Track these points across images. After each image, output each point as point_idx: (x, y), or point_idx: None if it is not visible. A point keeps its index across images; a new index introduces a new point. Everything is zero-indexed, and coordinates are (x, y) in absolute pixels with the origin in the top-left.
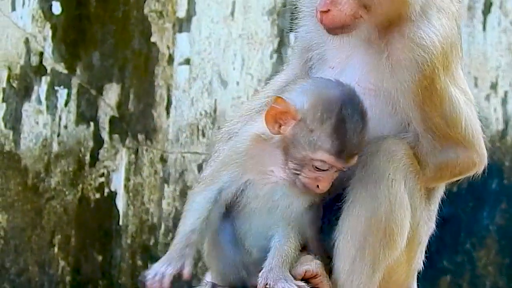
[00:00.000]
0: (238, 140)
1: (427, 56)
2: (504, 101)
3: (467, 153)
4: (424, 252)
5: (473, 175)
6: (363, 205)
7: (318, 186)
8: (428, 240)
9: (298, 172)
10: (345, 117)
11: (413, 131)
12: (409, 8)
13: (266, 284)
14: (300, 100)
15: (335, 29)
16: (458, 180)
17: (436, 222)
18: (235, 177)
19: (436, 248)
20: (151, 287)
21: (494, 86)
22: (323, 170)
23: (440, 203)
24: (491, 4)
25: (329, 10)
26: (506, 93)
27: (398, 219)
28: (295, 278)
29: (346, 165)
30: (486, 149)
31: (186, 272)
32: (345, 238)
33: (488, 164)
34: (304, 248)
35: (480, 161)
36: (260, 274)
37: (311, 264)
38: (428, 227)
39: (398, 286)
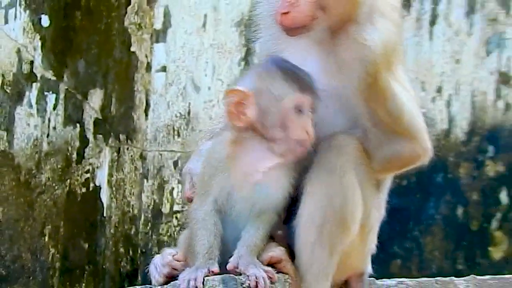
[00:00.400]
0: (216, 151)
1: (370, 56)
2: (448, 103)
3: (411, 146)
4: (376, 237)
5: (419, 167)
6: (319, 196)
7: (307, 132)
8: (381, 228)
9: (285, 135)
10: (286, 65)
11: (362, 126)
12: (357, 11)
13: (237, 268)
14: (246, 82)
15: (294, 29)
16: (406, 171)
17: (388, 212)
18: (224, 185)
19: (388, 235)
20: None
21: (439, 90)
22: (301, 113)
23: (391, 194)
24: (436, 16)
25: (288, 12)
26: (450, 96)
27: (351, 207)
28: (261, 264)
29: (313, 99)
30: (433, 147)
31: (216, 270)
32: (304, 226)
33: (434, 159)
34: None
35: (424, 153)
36: (230, 260)
37: (276, 251)
38: (379, 214)
39: (354, 268)
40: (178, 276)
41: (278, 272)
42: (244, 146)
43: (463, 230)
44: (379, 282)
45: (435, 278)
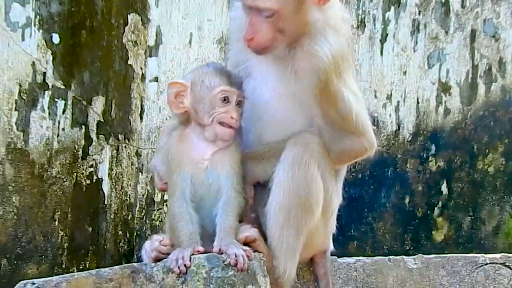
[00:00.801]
0: (168, 149)
1: (321, 65)
2: (396, 109)
3: (359, 140)
4: (335, 221)
5: (372, 160)
6: (286, 184)
7: (232, 117)
8: (339, 214)
9: (212, 119)
10: (218, 66)
11: (317, 125)
12: (310, 28)
13: (220, 249)
14: (185, 77)
15: (260, 50)
16: (358, 163)
17: (346, 200)
18: (183, 178)
19: (346, 220)
20: (176, 268)
21: (389, 97)
22: (228, 102)
23: (349, 185)
24: (387, 35)
25: (253, 37)
26: (398, 102)
27: (314, 193)
28: (239, 243)
29: (238, 91)
30: (384, 145)
31: (201, 249)
32: (274, 210)
33: (385, 156)
34: (242, 221)
35: (371, 146)
36: (214, 243)
37: (250, 231)
38: (338, 200)
39: (319, 246)
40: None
41: (254, 251)
42: (188, 141)
43: (410, 216)
44: (340, 260)
45: (388, 257)
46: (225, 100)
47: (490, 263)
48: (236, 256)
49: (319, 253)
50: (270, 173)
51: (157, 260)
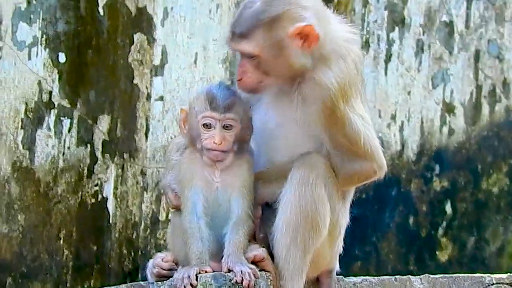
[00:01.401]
0: (180, 165)
1: (325, 93)
2: (401, 129)
3: (368, 163)
4: (342, 241)
5: (376, 180)
6: (293, 204)
7: (215, 142)
8: (344, 234)
9: (201, 145)
10: (211, 88)
11: (326, 149)
12: (300, 67)
13: (227, 267)
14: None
15: (248, 91)
16: (365, 185)
17: (350, 220)
18: (197, 191)
19: (350, 240)
20: (182, 287)
21: (393, 117)
22: (210, 128)
23: (353, 205)
24: (391, 55)
25: (241, 78)
26: (402, 122)
27: (321, 213)
28: (247, 261)
29: (222, 115)
30: (388, 165)
31: (208, 270)
32: (281, 230)
33: (389, 176)
34: (251, 240)
35: (380, 169)
36: (222, 261)
37: (259, 250)
38: (345, 221)
39: (325, 266)
40: (167, 274)
41: (260, 270)
42: (198, 162)
43: (414, 236)
44: (347, 279)
45: (394, 277)
46: (207, 126)
47: (496, 283)
48: (242, 273)
49: (325, 272)
50: (278, 194)
51: (158, 276)
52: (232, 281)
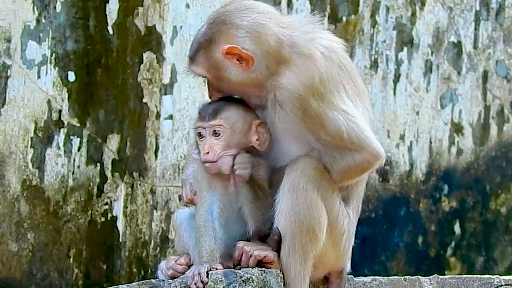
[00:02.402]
0: (200, 165)
1: (292, 95)
2: (409, 149)
3: (360, 155)
4: (353, 240)
5: (384, 197)
6: (287, 212)
7: (204, 153)
8: (353, 253)
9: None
10: (210, 101)
11: (315, 148)
12: (253, 80)
13: (243, 252)
14: None
15: (213, 96)
16: (374, 206)
17: (359, 240)
18: (214, 192)
19: (359, 260)
20: (193, 284)
21: (402, 137)
22: (202, 137)
23: (362, 225)
24: (399, 75)
25: (211, 95)
26: (411, 142)
27: (316, 218)
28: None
29: (207, 123)
30: (396, 185)
31: (219, 267)
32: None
33: (397, 196)
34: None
35: (374, 158)
36: (237, 245)
37: (270, 253)
38: (349, 220)
39: (331, 265)
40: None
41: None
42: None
43: (423, 256)
44: (356, 279)
45: (404, 277)
46: (200, 135)
47: (505, 285)
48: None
49: (334, 272)
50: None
51: (173, 278)
52: (243, 278)
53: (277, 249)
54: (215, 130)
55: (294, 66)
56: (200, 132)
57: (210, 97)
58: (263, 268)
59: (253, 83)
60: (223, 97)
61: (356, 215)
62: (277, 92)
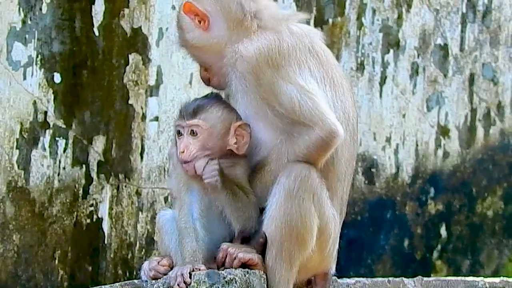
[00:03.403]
0: (177, 174)
1: (246, 62)
2: (396, 151)
3: (313, 132)
4: (338, 242)
5: (370, 198)
6: (278, 219)
7: (179, 152)
8: (339, 256)
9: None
10: (192, 100)
11: (277, 128)
12: (212, 44)
13: (227, 254)
14: None
15: (210, 86)
16: (361, 209)
17: (345, 242)
18: (194, 193)
19: (345, 263)
20: (176, 285)
21: (388, 140)
22: (181, 135)
23: (348, 227)
24: (386, 77)
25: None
26: (397, 145)
27: (308, 227)
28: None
29: (186, 122)
30: (383, 188)
31: (202, 268)
32: (267, 243)
33: (383, 199)
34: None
35: (328, 134)
36: (221, 246)
37: (254, 256)
38: (335, 222)
39: (316, 269)
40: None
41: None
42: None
43: (409, 259)
44: (340, 280)
45: (387, 278)
46: (179, 133)
47: None
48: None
49: (319, 274)
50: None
51: (155, 278)
52: (226, 279)
53: (261, 252)
54: (192, 130)
55: (256, 37)
56: (179, 130)
57: (202, 78)
58: (246, 269)
59: (213, 50)
60: (208, 95)
61: (340, 217)
62: (236, 61)
